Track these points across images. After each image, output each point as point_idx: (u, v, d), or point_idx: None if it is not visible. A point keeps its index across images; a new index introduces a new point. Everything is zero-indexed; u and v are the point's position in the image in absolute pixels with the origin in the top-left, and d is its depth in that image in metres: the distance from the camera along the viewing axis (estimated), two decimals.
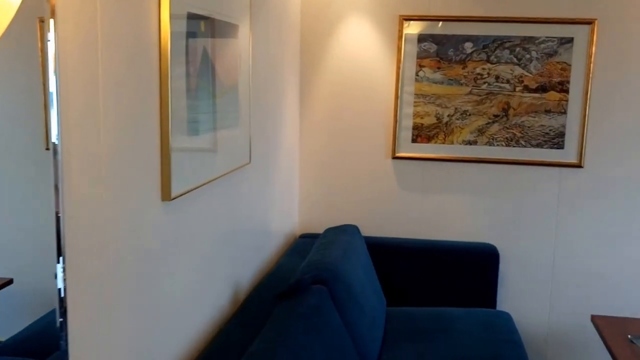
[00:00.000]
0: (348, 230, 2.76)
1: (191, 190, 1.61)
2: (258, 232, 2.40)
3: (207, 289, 1.83)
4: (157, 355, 1.49)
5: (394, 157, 2.98)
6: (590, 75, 2.81)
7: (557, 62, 2.83)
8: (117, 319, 1.28)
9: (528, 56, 2.84)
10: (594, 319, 2.54)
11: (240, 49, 1.98)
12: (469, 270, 2.88)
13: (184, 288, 1.65)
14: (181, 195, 1.55)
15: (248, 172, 2.19)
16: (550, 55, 2.83)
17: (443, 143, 2.94)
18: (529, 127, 2.88)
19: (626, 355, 2.21)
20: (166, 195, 1.47)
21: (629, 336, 2.34)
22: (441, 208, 3.00)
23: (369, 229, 3.04)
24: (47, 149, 1.01)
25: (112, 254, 1.25)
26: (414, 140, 2.95)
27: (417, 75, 2.92)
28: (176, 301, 1.60)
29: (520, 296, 3.01)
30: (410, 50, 2.91)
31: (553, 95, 2.85)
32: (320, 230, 3.02)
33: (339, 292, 2.20)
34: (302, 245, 2.79)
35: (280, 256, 2.66)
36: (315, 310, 1.90)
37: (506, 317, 2.72)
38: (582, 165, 2.88)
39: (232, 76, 1.92)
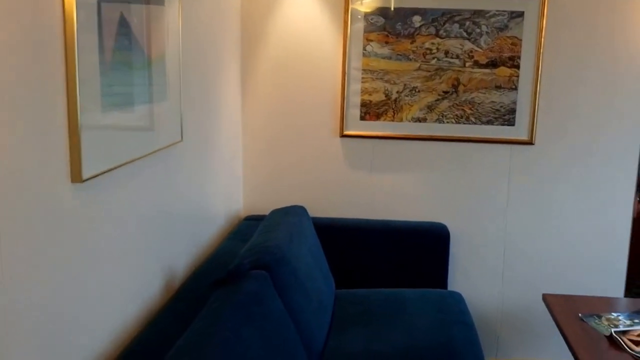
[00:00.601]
0: (294, 212, 2.65)
1: (109, 170, 1.46)
2: (195, 215, 2.25)
3: (133, 278, 1.69)
4: (73, 356, 1.35)
5: (342, 136, 2.87)
6: (541, 50, 2.75)
7: (508, 37, 2.76)
8: (19, 323, 1.13)
9: (478, 30, 2.76)
10: (545, 297, 2.51)
11: (168, 17, 1.82)
12: (419, 250, 2.81)
13: (105, 279, 1.50)
14: (96, 176, 1.39)
15: (180, 151, 2.04)
16: (500, 29, 2.76)
17: (392, 120, 2.84)
18: (479, 103, 2.81)
19: (576, 333, 2.18)
20: (76, 176, 1.32)
21: (580, 314, 2.31)
22: (391, 187, 2.91)
23: (317, 210, 2.93)
24: None
25: (5, 247, 1.09)
26: (362, 118, 2.85)
27: (365, 50, 2.80)
28: (95, 295, 1.45)
29: (472, 276, 2.96)
30: (358, 24, 2.79)
31: (503, 71, 2.78)
32: (266, 212, 2.89)
33: (282, 276, 2.08)
34: (246, 228, 2.66)
35: (222, 240, 2.52)
36: (254, 298, 1.78)
37: (457, 298, 2.67)
38: (532, 142, 2.83)
39: (159, 47, 1.76)
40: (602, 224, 2.88)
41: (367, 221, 2.90)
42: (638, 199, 3.02)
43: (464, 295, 2.92)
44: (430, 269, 2.83)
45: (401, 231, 2.83)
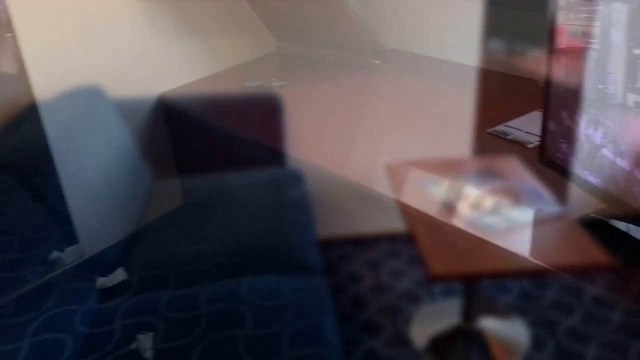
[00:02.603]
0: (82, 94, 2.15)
1: None
2: None
3: None
4: None
5: None
6: None
7: None
8: None
9: None
10: (386, 167, 2.24)
11: None
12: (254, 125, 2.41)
13: None
14: None
15: None
16: None
17: None
18: None
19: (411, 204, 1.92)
20: None
21: (421, 181, 2.04)
22: None
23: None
24: None
25: None
26: None
27: None
28: None
29: (316, 145, 2.62)
30: None
31: None
32: None
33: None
34: None
35: None
36: None
37: (296, 176, 2.34)
38: None
39: None
40: None
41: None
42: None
43: (306, 173, 2.59)
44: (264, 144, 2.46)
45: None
